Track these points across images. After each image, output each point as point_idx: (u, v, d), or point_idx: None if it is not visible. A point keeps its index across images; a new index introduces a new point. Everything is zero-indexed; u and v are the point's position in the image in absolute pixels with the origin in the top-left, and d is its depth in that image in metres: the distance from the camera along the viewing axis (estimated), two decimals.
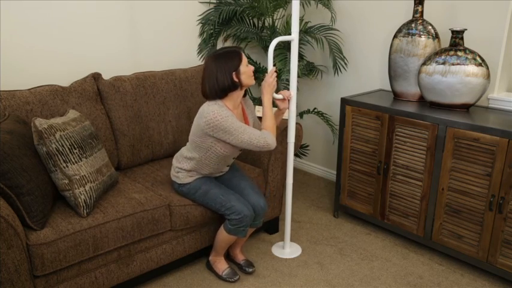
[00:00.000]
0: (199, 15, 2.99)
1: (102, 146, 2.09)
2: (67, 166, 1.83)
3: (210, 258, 2.30)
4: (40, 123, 1.80)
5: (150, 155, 2.50)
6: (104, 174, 2.00)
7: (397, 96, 2.62)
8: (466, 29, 2.25)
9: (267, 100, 2.07)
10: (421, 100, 2.56)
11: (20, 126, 1.84)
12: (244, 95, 2.11)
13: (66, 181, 1.83)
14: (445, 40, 2.57)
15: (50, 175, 1.85)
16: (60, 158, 1.81)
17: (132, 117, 2.39)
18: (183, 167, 2.10)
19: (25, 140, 1.80)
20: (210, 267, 2.30)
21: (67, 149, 1.84)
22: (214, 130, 1.92)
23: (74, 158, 1.86)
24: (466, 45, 2.50)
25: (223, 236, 2.14)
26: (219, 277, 2.24)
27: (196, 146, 2.03)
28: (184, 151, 2.13)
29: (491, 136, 2.05)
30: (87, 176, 1.88)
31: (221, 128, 1.91)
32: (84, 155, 1.91)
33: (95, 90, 2.31)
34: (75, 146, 1.88)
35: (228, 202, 2.05)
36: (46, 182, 1.81)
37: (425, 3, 2.61)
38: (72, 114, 2.03)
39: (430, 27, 2.44)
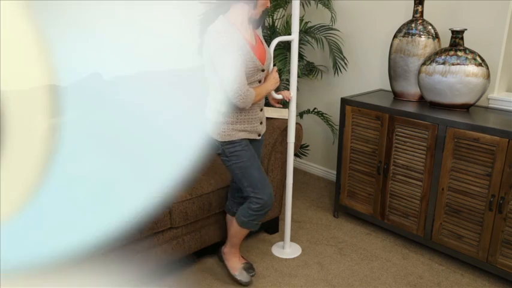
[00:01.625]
0: (200, 16, 2.98)
1: None
2: None
3: (225, 249, 2.24)
4: None
5: None
6: None
7: (397, 96, 2.62)
8: (466, 29, 2.25)
9: (267, 87, 1.96)
10: (421, 100, 2.56)
11: None
12: (257, 27, 1.97)
13: None
14: (445, 40, 2.57)
15: None
16: None
17: None
18: (217, 108, 1.91)
19: None
20: (221, 259, 2.27)
21: None
22: (214, 49, 1.76)
23: None
24: (466, 45, 2.50)
25: (236, 229, 2.09)
26: (231, 276, 2.20)
27: (212, 81, 1.88)
28: (208, 99, 1.97)
29: (491, 136, 2.05)
30: None
31: (220, 47, 1.74)
32: None
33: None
34: None
35: (260, 192, 1.96)
36: None
37: (425, 3, 2.61)
38: None
39: (430, 27, 2.44)
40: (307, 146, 3.53)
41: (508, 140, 2.00)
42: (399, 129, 2.39)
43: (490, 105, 2.46)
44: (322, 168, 3.52)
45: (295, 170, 3.68)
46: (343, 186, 2.75)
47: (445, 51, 2.30)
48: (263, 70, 1.94)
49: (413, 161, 2.37)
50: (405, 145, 2.39)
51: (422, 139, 2.30)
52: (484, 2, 2.38)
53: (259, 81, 1.95)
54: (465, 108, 2.34)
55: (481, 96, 2.30)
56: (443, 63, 2.27)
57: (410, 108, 2.40)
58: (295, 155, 3.52)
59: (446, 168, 2.23)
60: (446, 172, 2.24)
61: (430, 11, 2.62)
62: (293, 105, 2.25)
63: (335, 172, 3.42)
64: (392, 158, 2.46)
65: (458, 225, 2.25)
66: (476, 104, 2.49)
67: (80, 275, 1.71)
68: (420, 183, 2.36)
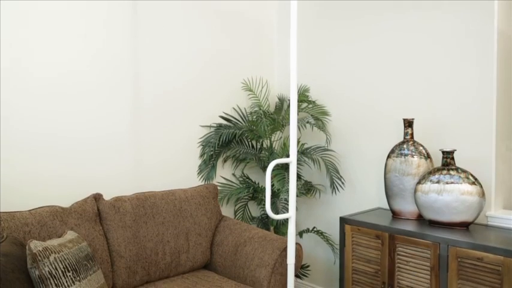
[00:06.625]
0: (200, 138, 3.13)
1: (98, 268, 2.03)
2: None
3: None
4: (35, 245, 1.77)
5: (146, 277, 2.41)
6: None
7: (395, 214, 2.63)
8: (455, 150, 2.36)
9: None
10: (420, 218, 2.56)
11: (16, 249, 1.82)
12: None
13: None
14: (437, 160, 2.66)
15: None
16: (52, 282, 1.75)
17: (130, 238, 2.37)
18: None
19: (20, 263, 1.76)
20: None
21: (60, 272, 1.79)
22: None
23: (66, 282, 1.80)
24: (457, 164, 2.58)
25: None
26: None
27: None
28: None
29: (494, 255, 2.01)
30: None
31: None
32: (78, 278, 1.85)
33: (94, 211, 2.33)
34: (69, 269, 1.83)
35: None
36: None
37: (415, 126, 2.76)
38: (69, 235, 2.02)
39: (421, 147, 2.55)
40: (308, 266, 3.43)
41: None
42: (400, 249, 2.36)
43: (489, 222, 2.46)
44: None
45: None
46: None
47: (438, 170, 2.38)
48: None
49: (418, 282, 2.29)
50: (408, 265, 2.33)
51: (425, 258, 2.26)
52: (468, 124, 2.52)
53: None
54: (465, 226, 2.33)
55: (478, 214, 2.31)
56: (438, 182, 2.33)
57: (410, 226, 2.39)
58: (296, 276, 3.40)
59: None
60: None
61: (419, 133, 2.76)
62: (292, 225, 2.24)
63: None
64: (396, 278, 2.38)
65: None
66: (476, 221, 2.49)
67: None
68: None
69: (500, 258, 2.00)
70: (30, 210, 2.15)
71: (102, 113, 2.63)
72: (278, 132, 3.48)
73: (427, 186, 2.36)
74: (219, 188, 3.23)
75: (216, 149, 3.12)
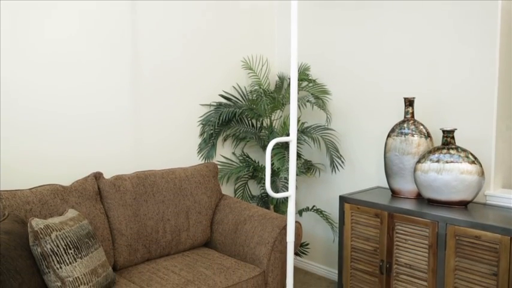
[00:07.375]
0: (200, 117, 3.12)
1: (99, 246, 2.05)
2: (61, 267, 1.78)
3: None
4: (37, 223, 1.79)
5: (147, 254, 2.44)
6: (99, 275, 1.94)
7: (394, 193, 2.65)
8: (456, 129, 2.35)
9: None
10: (419, 197, 2.58)
11: (18, 226, 1.83)
12: None
13: (59, 283, 1.77)
14: (437, 139, 2.66)
15: (43, 277, 1.79)
16: (54, 259, 1.77)
17: (130, 216, 2.38)
18: None
19: (22, 240, 1.77)
20: None
21: (62, 249, 1.81)
22: None
23: (68, 259, 1.82)
24: (457, 143, 2.58)
25: None
26: None
27: None
28: None
29: (492, 234, 2.03)
30: (80, 277, 1.82)
31: None
32: (80, 255, 1.87)
33: (95, 189, 2.34)
34: (71, 246, 1.85)
35: None
36: (39, 285, 1.74)
37: (415, 105, 2.75)
38: (70, 213, 2.03)
39: (421, 127, 2.54)
40: (307, 244, 3.47)
41: (510, 237, 1.98)
42: (399, 227, 2.38)
43: (487, 201, 2.47)
44: (323, 267, 3.41)
45: (296, 269, 3.57)
46: (345, 286, 2.65)
47: (438, 149, 2.37)
48: None
49: (416, 260, 2.31)
50: (406, 243, 2.35)
51: (423, 237, 2.28)
52: (469, 103, 2.51)
53: None
54: (463, 205, 2.35)
55: (477, 193, 2.32)
56: (438, 161, 2.33)
57: (409, 205, 2.41)
58: (296, 253, 3.44)
59: (450, 267, 2.18)
60: (450, 271, 2.17)
61: (420, 112, 2.74)
62: (292, 204, 2.25)
63: (337, 271, 3.31)
64: (395, 256, 2.41)
65: None
66: (474, 200, 2.50)
67: None
68: (425, 283, 2.28)
69: (497, 237, 2.02)
70: (31, 189, 2.16)
71: (102, 87, 2.61)
72: (278, 111, 3.47)
73: (426, 165, 2.36)
74: (219, 166, 3.24)
75: (216, 127, 3.11)
